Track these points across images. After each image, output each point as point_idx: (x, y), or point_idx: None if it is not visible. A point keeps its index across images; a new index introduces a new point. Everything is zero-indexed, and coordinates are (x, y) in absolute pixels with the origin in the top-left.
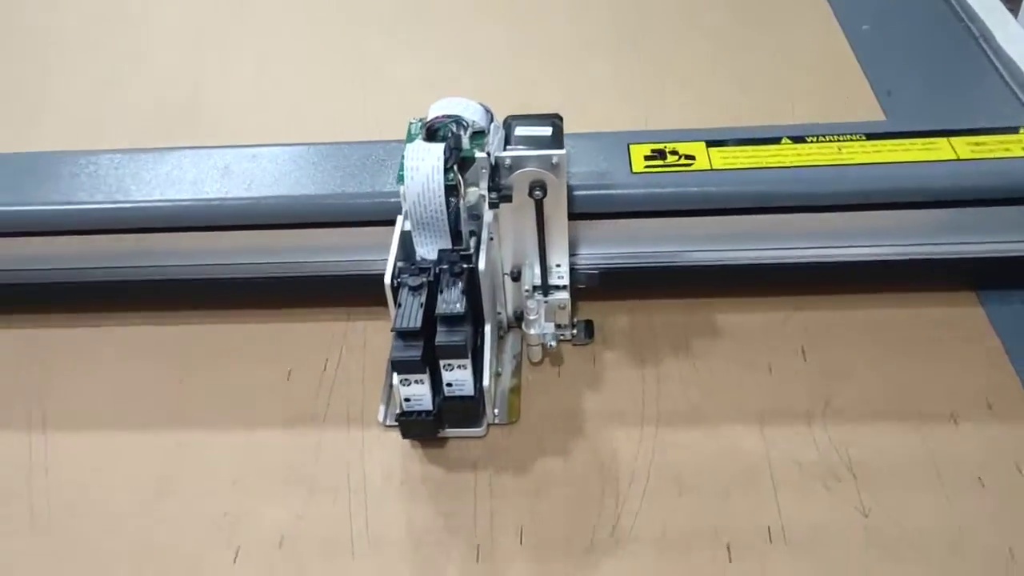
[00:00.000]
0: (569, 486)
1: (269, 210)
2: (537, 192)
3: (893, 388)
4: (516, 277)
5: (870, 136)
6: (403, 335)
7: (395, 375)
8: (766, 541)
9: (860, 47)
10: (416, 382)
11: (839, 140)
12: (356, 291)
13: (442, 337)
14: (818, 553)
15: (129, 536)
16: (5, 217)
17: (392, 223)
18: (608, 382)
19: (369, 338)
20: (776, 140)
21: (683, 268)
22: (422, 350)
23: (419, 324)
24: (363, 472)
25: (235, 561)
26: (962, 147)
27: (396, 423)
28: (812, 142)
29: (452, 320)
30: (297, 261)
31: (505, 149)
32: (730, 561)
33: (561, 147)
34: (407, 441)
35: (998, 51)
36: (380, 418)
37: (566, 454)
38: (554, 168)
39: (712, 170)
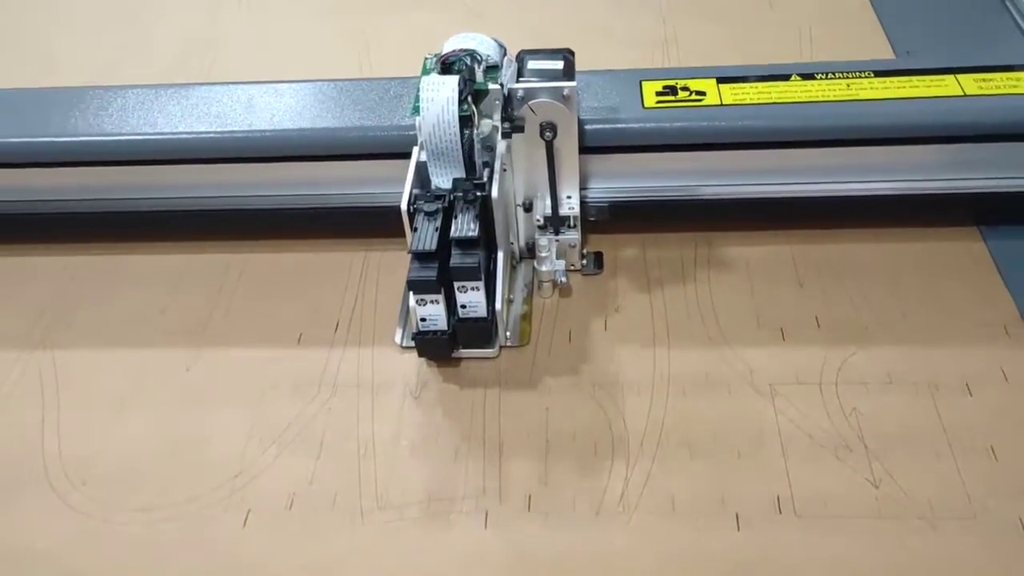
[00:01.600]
0: (578, 404)
1: (292, 142)
2: (548, 134)
3: (897, 321)
4: (528, 208)
5: (878, 73)
6: (419, 257)
7: (412, 295)
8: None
9: None
10: (431, 302)
11: (848, 77)
12: (374, 223)
13: (456, 259)
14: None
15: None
16: (39, 149)
17: (408, 155)
18: (616, 309)
19: (386, 268)
20: (786, 77)
21: (691, 202)
22: (437, 271)
23: (434, 246)
24: (376, 385)
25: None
26: (969, 84)
27: (412, 344)
28: (821, 79)
29: (466, 243)
30: (317, 193)
31: (518, 81)
32: (738, 530)
33: (572, 80)
34: (423, 361)
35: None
36: (397, 340)
37: (575, 374)
38: (565, 100)
39: (722, 105)
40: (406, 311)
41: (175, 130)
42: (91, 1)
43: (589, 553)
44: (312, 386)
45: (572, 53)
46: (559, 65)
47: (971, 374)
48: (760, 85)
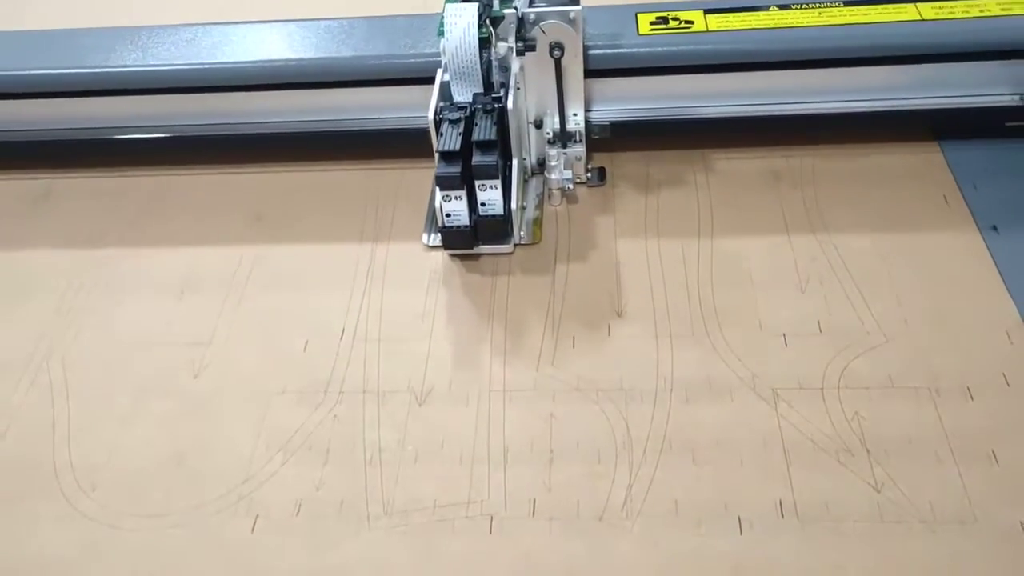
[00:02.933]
0: (582, 410)
1: (332, 68)
2: (556, 52)
3: (898, 325)
4: (539, 125)
5: (847, 3)
6: (444, 156)
7: (438, 192)
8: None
9: None
10: (456, 198)
11: (820, 7)
12: (400, 144)
13: (477, 159)
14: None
15: None
16: (122, 76)
17: (430, 80)
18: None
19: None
20: (765, 8)
21: (682, 121)
22: (461, 169)
23: (458, 147)
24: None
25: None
26: (927, 10)
27: (439, 243)
28: (795, 9)
29: (485, 146)
30: (348, 118)
31: (530, 6)
32: (741, 534)
33: (578, 4)
34: (447, 256)
35: None
36: (425, 240)
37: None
38: (571, 22)
39: (708, 31)
40: (432, 216)
41: (230, 59)
42: None
43: (593, 558)
44: (318, 392)
45: None
46: None
47: (972, 379)
48: (742, 15)
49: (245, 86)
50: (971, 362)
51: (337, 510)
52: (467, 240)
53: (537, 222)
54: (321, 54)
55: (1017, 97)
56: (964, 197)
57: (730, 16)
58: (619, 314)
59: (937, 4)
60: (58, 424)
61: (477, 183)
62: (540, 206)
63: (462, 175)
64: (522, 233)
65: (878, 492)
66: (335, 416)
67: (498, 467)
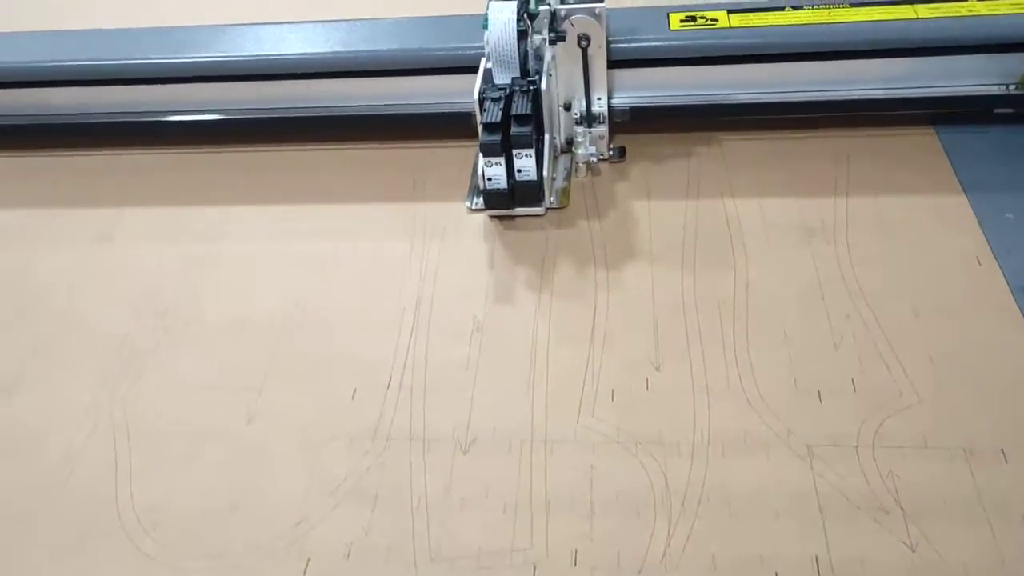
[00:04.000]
0: (621, 464)
1: (392, 58)
2: (583, 42)
3: (930, 385)
4: (568, 108)
5: (853, 4)
6: (488, 127)
7: (481, 158)
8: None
9: None
10: (496, 164)
11: (829, 7)
12: (440, 126)
13: (515, 130)
14: None
15: None
16: (211, 65)
17: (472, 70)
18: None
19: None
20: (780, 8)
21: (694, 107)
22: (501, 138)
23: (499, 119)
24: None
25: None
26: (923, 10)
27: (480, 207)
28: (808, 9)
29: (522, 119)
30: (396, 103)
31: (561, 3)
32: None
33: (602, 1)
34: (486, 218)
35: None
36: (468, 204)
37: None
38: (597, 17)
39: (731, 27)
40: (474, 183)
41: (302, 50)
42: None
43: None
44: (367, 439)
45: None
46: None
47: (1006, 441)
48: (761, 13)
49: (328, 73)
50: (1004, 424)
51: (385, 555)
52: (505, 201)
53: (565, 191)
54: (384, 46)
55: (1004, 87)
56: (996, 258)
57: (750, 15)
58: (657, 368)
59: (932, 5)
60: (120, 466)
61: (514, 151)
62: (568, 178)
63: (502, 144)
64: (552, 199)
65: (913, 551)
66: (383, 463)
67: (541, 516)
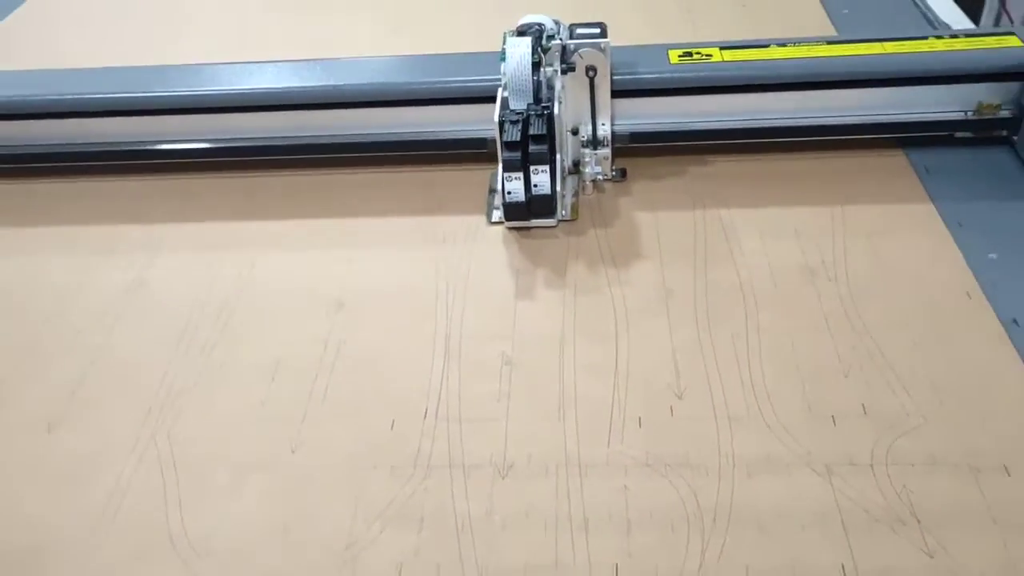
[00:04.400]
0: (653, 484)
1: (418, 90)
2: (591, 72)
3: (934, 407)
4: (575, 132)
5: (829, 42)
6: (508, 145)
7: (502, 173)
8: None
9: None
10: (515, 179)
11: (809, 46)
12: (457, 150)
13: (533, 147)
14: None
15: None
16: (252, 96)
17: (493, 99)
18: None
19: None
20: (766, 46)
21: (687, 132)
22: (521, 156)
23: (519, 138)
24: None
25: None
26: (890, 47)
27: (499, 220)
28: (791, 47)
29: (539, 139)
30: (413, 131)
31: (571, 39)
32: None
33: (606, 37)
34: (504, 229)
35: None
36: (488, 218)
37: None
38: (602, 51)
39: (724, 61)
40: (491, 200)
41: (333, 82)
42: None
43: None
44: (408, 466)
45: (605, 25)
46: (597, 30)
47: (1008, 456)
48: (749, 50)
49: (361, 103)
50: (1005, 442)
51: (436, 573)
52: (522, 213)
53: (574, 206)
54: (410, 78)
55: (963, 113)
56: (984, 293)
57: (739, 52)
58: (679, 396)
59: (898, 42)
60: (169, 495)
61: (532, 167)
62: (576, 195)
63: (521, 161)
64: (563, 211)
65: (931, 558)
66: (425, 489)
67: (580, 534)
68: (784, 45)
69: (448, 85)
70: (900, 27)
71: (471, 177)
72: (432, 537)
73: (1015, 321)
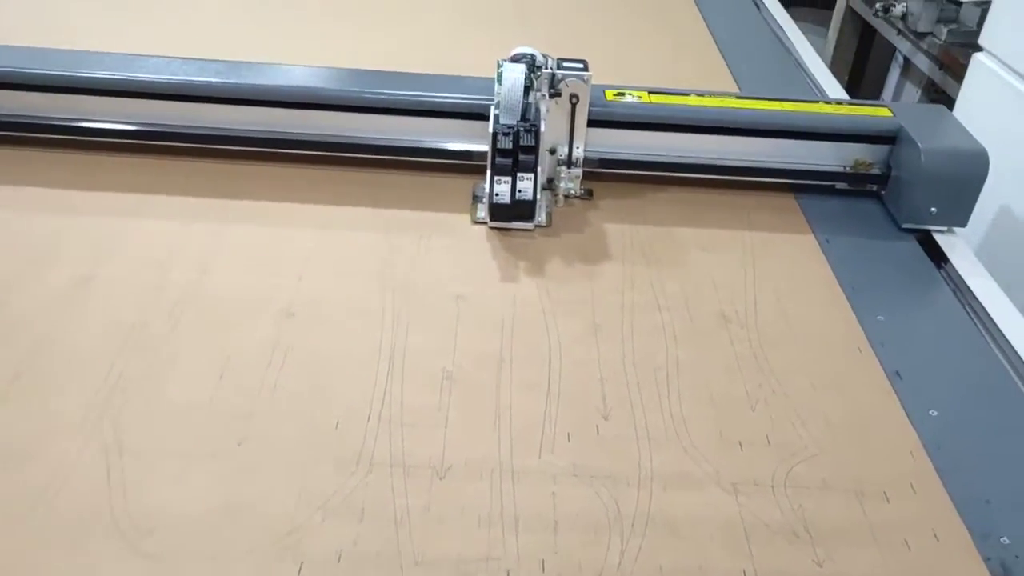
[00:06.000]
0: (578, 492)
1: (423, 104)
2: (574, 99)
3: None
4: (553, 151)
5: (737, 97)
6: (502, 152)
7: (494, 176)
8: None
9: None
10: (504, 182)
11: (720, 97)
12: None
13: (523, 157)
14: None
15: None
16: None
17: (476, 117)
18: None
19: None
20: (687, 94)
21: (637, 162)
22: (511, 162)
23: (511, 146)
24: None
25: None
26: (787, 105)
27: (482, 219)
28: (706, 97)
29: (528, 150)
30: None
31: (558, 69)
32: None
33: (588, 71)
34: (487, 229)
35: (805, 69)
36: (473, 216)
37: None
38: (585, 81)
39: (650, 103)
40: (478, 200)
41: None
42: None
43: None
44: (351, 463)
45: (586, 62)
46: (580, 65)
47: (888, 486)
48: (671, 96)
49: (370, 109)
50: (886, 472)
51: (375, 559)
52: (507, 214)
53: (549, 215)
54: (420, 92)
55: (843, 167)
56: (873, 348)
57: (664, 97)
58: (605, 418)
59: (793, 103)
60: (113, 477)
61: (519, 174)
62: (550, 206)
63: (512, 167)
64: (540, 218)
65: (820, 567)
66: (367, 484)
67: (511, 531)
68: (701, 95)
69: (445, 100)
70: (787, 86)
71: (451, 184)
72: (371, 528)
73: (898, 374)
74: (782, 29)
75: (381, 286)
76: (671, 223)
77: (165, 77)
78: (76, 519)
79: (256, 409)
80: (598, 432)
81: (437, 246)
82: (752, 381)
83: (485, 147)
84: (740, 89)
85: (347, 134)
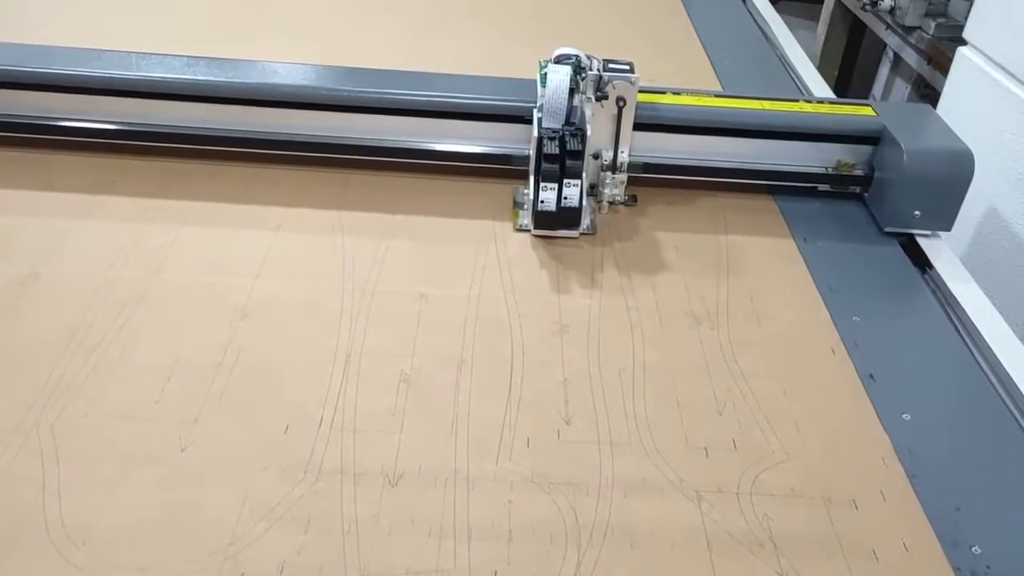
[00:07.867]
0: (536, 501)
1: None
2: (620, 102)
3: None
4: (597, 156)
5: (718, 95)
6: (548, 158)
7: (531, 182)
8: None
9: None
10: (550, 189)
11: (699, 96)
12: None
13: (570, 163)
14: None
15: None
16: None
17: (519, 120)
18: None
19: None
20: (663, 92)
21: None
22: (558, 169)
23: (557, 151)
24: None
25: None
26: (767, 104)
27: (525, 227)
28: (684, 96)
29: (574, 154)
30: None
31: (605, 71)
32: None
33: (635, 73)
34: (531, 236)
35: (790, 66)
36: (518, 223)
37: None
38: (632, 84)
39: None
40: (519, 206)
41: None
42: None
43: None
44: (299, 470)
45: (632, 63)
46: (627, 66)
47: (857, 493)
48: (649, 95)
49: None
50: (855, 480)
51: (319, 571)
52: (551, 222)
53: (593, 222)
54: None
55: (825, 169)
56: (847, 350)
57: (641, 95)
58: (567, 422)
59: (773, 101)
60: (48, 485)
61: (565, 180)
62: (594, 212)
63: (559, 173)
64: (585, 224)
65: None
66: (315, 492)
67: (463, 542)
68: (679, 94)
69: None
70: (771, 85)
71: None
72: (317, 538)
73: (871, 376)
74: (769, 25)
75: (340, 287)
76: (647, 227)
77: (124, 73)
78: (5, 529)
79: (202, 414)
80: (559, 437)
81: (399, 248)
82: (720, 384)
83: (460, 147)
84: (723, 87)
85: (315, 133)
